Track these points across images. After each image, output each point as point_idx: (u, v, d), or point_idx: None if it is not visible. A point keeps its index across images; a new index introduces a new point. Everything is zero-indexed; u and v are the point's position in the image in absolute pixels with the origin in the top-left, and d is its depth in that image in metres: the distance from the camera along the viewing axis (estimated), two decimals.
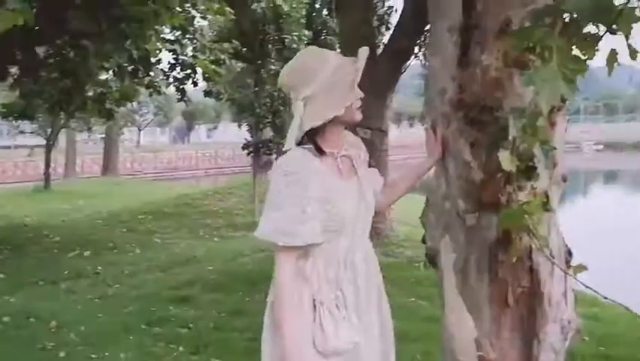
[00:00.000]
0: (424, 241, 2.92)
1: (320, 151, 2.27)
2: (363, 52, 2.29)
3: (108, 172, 31.32)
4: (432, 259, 2.87)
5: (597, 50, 2.54)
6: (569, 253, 2.69)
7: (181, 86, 11.86)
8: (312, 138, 2.27)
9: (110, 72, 10.77)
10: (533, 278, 2.53)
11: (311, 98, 2.22)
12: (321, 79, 2.22)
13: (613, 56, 2.44)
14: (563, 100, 2.42)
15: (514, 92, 2.53)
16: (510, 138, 2.33)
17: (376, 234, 8.86)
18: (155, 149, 53.03)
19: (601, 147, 66.81)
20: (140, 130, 65.63)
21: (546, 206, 2.48)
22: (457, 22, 2.64)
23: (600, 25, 2.43)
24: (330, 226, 2.21)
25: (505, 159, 2.28)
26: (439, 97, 2.70)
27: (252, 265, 8.01)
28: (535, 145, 2.35)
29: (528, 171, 2.40)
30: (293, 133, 2.21)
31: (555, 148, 2.48)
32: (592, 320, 5.74)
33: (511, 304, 2.54)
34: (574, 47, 2.37)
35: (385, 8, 9.57)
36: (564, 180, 2.71)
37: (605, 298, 2.25)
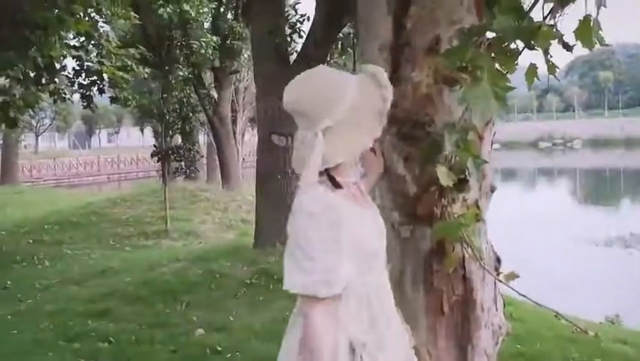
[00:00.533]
0: None
1: (337, 185, 2.02)
2: (382, 74, 2.11)
3: (7, 181, 30.12)
4: None
5: (517, 64, 2.67)
6: (498, 260, 2.81)
7: (87, 93, 11.56)
8: (327, 171, 2.02)
9: (10, 80, 10.40)
10: (466, 286, 2.63)
11: (333, 129, 1.99)
12: (345, 109, 2.00)
13: (533, 69, 2.57)
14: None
15: (444, 108, 2.62)
16: (446, 152, 2.42)
17: None
18: (54, 154, 51.41)
19: (498, 146, 69.23)
20: (37, 136, 63.51)
21: (478, 217, 2.59)
22: (388, 41, 2.71)
23: (519, 41, 2.56)
24: (362, 262, 2.02)
25: (443, 174, 2.36)
26: None
27: (169, 275, 7.90)
28: (467, 159, 2.44)
29: (460, 184, 2.49)
30: (313, 168, 1.96)
31: (486, 162, 2.59)
32: (507, 319, 5.96)
33: (446, 313, 2.63)
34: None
35: (298, 16, 9.63)
36: (492, 190, 2.83)
37: (539, 305, 2.37)
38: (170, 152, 13.06)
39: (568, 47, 2.66)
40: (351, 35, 9.22)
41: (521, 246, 15.03)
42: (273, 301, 6.62)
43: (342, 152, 2.01)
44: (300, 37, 9.37)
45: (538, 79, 2.65)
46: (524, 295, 2.37)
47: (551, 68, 2.64)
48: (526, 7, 2.53)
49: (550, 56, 2.68)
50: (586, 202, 26.09)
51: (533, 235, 16.56)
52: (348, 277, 1.95)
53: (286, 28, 9.19)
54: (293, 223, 1.95)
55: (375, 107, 2.07)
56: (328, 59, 9.21)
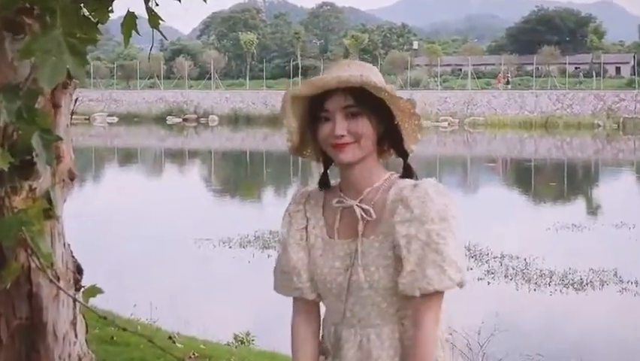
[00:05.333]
0: None
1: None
2: None
3: None
4: None
5: (111, 11, 2.64)
6: (79, 271, 2.75)
7: None
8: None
9: None
10: (33, 306, 2.53)
11: None
12: None
13: (131, 18, 2.54)
14: (70, 76, 2.44)
15: (5, 63, 2.49)
16: (1, 124, 2.29)
17: None
18: None
19: (115, 119, 69.62)
20: None
21: (49, 212, 2.49)
22: None
23: None
24: None
25: None
26: None
27: None
28: (33, 135, 2.33)
29: (24, 169, 2.37)
30: None
31: (60, 138, 2.49)
32: (108, 343, 5.96)
33: (5, 342, 2.50)
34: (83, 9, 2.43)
35: None
36: (72, 177, 2.75)
37: (123, 329, 2.35)
38: None
39: None
40: None
41: (136, 247, 15.26)
42: None
43: None
44: None
45: (138, 32, 2.64)
46: (105, 317, 2.34)
47: (153, 19, 2.64)
48: None
49: (156, 4, 2.69)
50: (222, 193, 27.27)
51: (154, 232, 16.89)
52: None
53: None
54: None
55: None
56: None
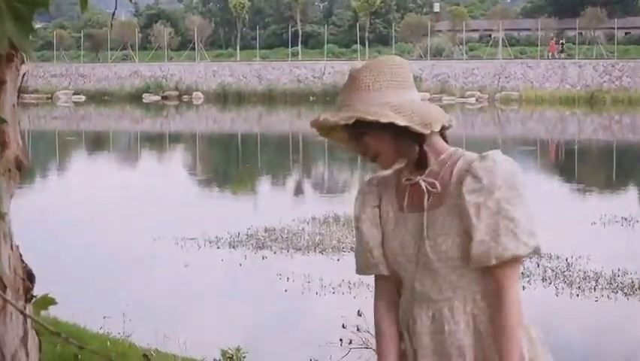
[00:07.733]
0: None
1: None
2: None
3: None
4: None
5: None
6: (30, 278, 2.72)
7: None
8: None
9: None
10: None
11: None
12: None
13: None
14: (15, 48, 2.41)
15: None
16: None
17: None
18: None
19: (82, 98, 69.61)
20: None
21: None
22: None
23: None
24: None
25: None
26: None
27: None
28: None
29: None
30: None
31: (5, 121, 2.47)
32: None
33: None
34: None
35: None
36: (19, 167, 2.72)
37: (79, 347, 2.32)
38: None
39: None
40: None
41: (107, 249, 15.23)
42: None
43: None
44: None
45: None
46: (59, 334, 2.31)
47: None
48: None
49: None
50: (208, 184, 27.26)
51: (128, 231, 16.88)
52: None
53: None
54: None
55: None
56: None
